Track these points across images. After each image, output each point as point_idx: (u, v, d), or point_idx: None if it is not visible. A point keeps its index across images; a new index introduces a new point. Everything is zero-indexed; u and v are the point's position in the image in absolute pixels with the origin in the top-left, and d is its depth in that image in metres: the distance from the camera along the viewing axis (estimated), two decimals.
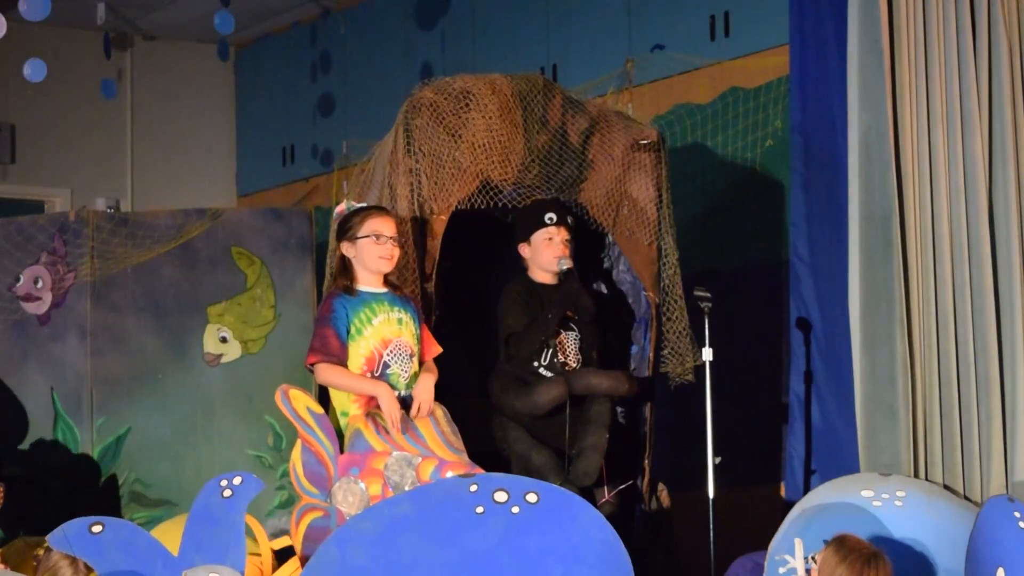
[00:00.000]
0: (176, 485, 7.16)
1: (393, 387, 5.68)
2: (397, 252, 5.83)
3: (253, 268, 7.36)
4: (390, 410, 5.59)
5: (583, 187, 6.54)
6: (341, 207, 5.91)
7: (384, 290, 5.81)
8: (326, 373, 5.67)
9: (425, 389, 5.72)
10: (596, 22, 8.92)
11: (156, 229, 7.31)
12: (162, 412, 7.22)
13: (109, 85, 8.98)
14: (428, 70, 9.80)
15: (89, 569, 4.91)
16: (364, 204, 6.00)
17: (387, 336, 5.72)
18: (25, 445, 7.16)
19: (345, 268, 5.82)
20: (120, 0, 10.35)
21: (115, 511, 7.04)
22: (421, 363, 5.84)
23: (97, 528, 4.75)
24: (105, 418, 7.16)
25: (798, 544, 5.00)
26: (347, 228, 5.82)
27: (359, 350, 5.69)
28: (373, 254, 5.77)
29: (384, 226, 5.79)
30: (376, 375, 5.68)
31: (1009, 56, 5.92)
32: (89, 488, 7.12)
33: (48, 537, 4.80)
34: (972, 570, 4.95)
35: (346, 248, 5.82)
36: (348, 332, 5.68)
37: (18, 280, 7.25)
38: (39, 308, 7.25)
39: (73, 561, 5.03)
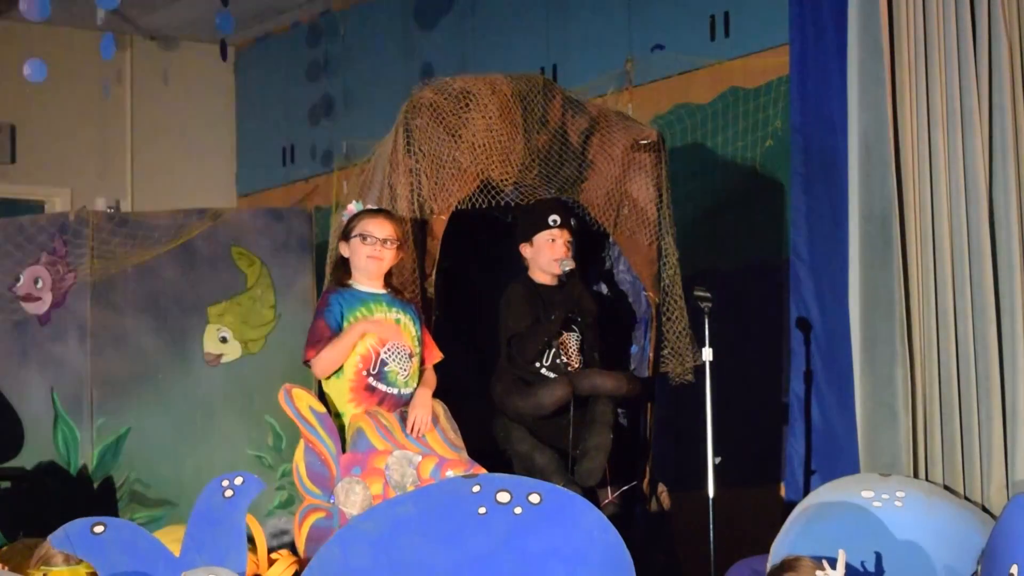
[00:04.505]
0: (176, 485, 7.17)
1: (391, 385, 5.69)
2: (390, 253, 5.80)
3: (253, 268, 7.37)
4: (382, 331, 5.63)
5: (583, 187, 6.54)
6: (351, 207, 5.91)
7: (384, 291, 5.82)
8: (321, 362, 5.66)
9: (421, 404, 5.72)
10: (596, 22, 8.92)
11: (156, 229, 7.32)
12: (162, 412, 7.23)
13: (106, 85, 8.99)
14: (428, 70, 9.80)
15: (80, 559, 4.93)
16: (374, 206, 5.99)
17: (384, 335, 5.72)
18: (25, 445, 7.17)
19: (343, 265, 5.84)
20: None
21: (115, 511, 7.05)
22: (422, 364, 5.85)
23: (99, 528, 4.76)
24: (105, 418, 7.17)
25: (841, 556, 4.99)
26: (347, 228, 5.84)
27: (356, 348, 5.68)
28: (362, 254, 5.78)
29: (375, 227, 5.79)
30: (374, 373, 5.68)
31: (1009, 56, 5.92)
32: (89, 488, 7.12)
33: (50, 537, 4.81)
34: (988, 565, 4.94)
35: (342, 247, 5.85)
36: (340, 327, 5.68)
37: (18, 280, 7.26)
38: (39, 308, 7.26)
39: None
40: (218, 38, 9.87)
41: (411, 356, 5.77)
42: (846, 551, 5.08)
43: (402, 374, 5.73)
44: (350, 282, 5.79)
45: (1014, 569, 4.90)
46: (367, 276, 5.79)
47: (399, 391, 5.71)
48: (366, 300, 5.76)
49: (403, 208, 6.21)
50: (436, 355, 5.91)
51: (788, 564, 5.08)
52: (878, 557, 5.39)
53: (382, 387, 5.68)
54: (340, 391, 5.68)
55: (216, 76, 11.47)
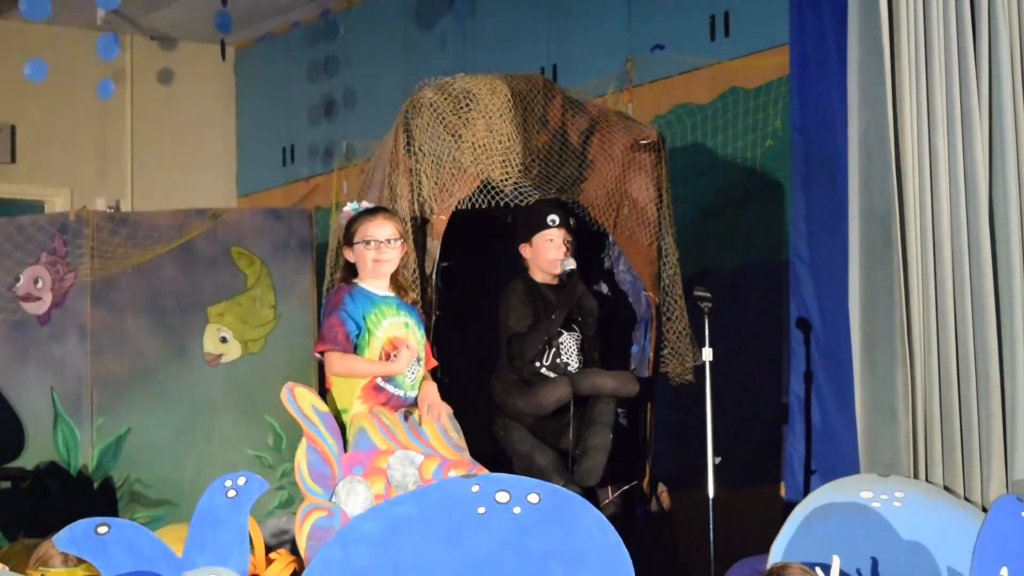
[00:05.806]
0: (176, 485, 7.17)
1: (398, 387, 5.70)
2: (395, 252, 5.78)
3: (253, 268, 7.37)
4: (408, 358, 5.65)
5: (583, 187, 6.55)
6: (347, 209, 5.90)
7: (391, 294, 5.81)
8: (340, 362, 5.65)
9: (432, 392, 5.74)
10: (596, 22, 8.93)
11: (156, 229, 7.33)
12: (162, 412, 7.23)
13: (106, 85, 9.00)
14: (428, 70, 9.79)
15: (79, 560, 4.93)
16: (369, 206, 5.97)
17: (395, 338, 5.73)
18: (25, 445, 7.17)
19: (350, 269, 5.84)
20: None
21: (115, 511, 7.05)
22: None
23: (103, 529, 4.76)
24: (105, 418, 7.17)
25: (835, 561, 4.99)
26: (349, 232, 5.83)
27: (372, 346, 5.70)
28: (368, 258, 5.77)
29: (376, 229, 5.77)
30: (384, 376, 5.69)
31: (1009, 56, 5.91)
32: (89, 488, 7.13)
33: (54, 538, 4.81)
34: (978, 568, 4.95)
35: (347, 253, 5.84)
36: (360, 328, 5.68)
37: (18, 280, 7.26)
38: (39, 308, 7.26)
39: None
40: (218, 38, 9.87)
41: (418, 360, 5.77)
42: (846, 551, 5.08)
43: (410, 377, 5.73)
44: (358, 281, 5.80)
45: (1004, 571, 4.90)
46: (376, 279, 5.79)
47: (405, 393, 5.72)
48: (376, 302, 5.75)
49: (403, 208, 6.22)
50: (431, 361, 5.92)
51: (776, 572, 5.06)
52: (877, 558, 5.39)
53: (390, 388, 5.69)
54: (350, 388, 5.67)
55: (216, 76, 11.48)
